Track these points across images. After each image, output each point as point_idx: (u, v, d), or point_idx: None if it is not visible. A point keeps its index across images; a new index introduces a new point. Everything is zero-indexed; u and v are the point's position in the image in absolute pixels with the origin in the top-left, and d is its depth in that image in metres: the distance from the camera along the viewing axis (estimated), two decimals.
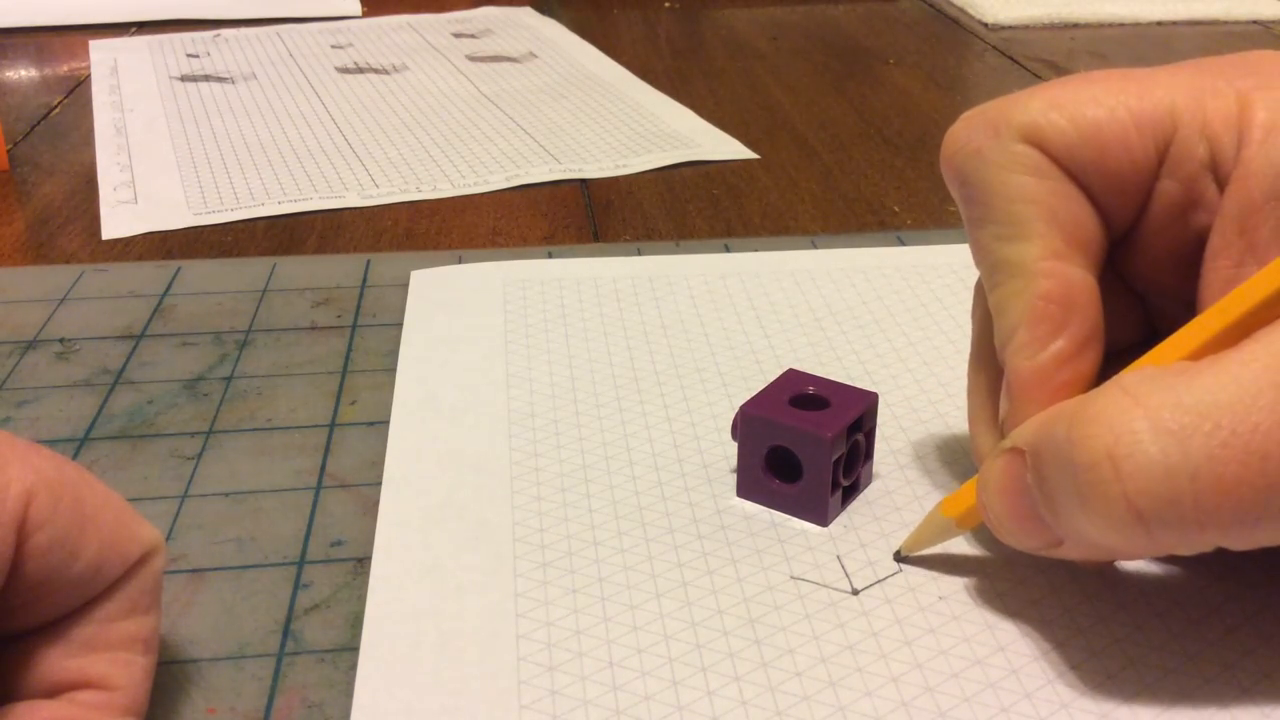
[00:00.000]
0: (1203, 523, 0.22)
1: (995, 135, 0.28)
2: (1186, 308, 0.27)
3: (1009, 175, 0.28)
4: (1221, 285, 0.26)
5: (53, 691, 0.23)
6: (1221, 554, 0.30)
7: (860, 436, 0.32)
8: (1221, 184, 0.27)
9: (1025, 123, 0.28)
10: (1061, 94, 0.28)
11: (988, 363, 0.30)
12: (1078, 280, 0.27)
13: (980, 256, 0.29)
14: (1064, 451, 0.24)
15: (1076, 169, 0.28)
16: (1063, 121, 0.27)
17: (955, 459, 0.34)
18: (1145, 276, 0.30)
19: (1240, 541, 0.23)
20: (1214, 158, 0.27)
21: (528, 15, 0.91)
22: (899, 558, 0.30)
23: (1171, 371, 0.23)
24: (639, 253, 0.48)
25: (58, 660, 0.23)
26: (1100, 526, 0.23)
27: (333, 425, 0.37)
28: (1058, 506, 0.24)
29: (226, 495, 0.33)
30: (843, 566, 0.30)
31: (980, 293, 0.31)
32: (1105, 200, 0.28)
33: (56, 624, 0.23)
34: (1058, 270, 0.27)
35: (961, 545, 0.30)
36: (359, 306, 0.44)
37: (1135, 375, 0.24)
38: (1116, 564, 0.30)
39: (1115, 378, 0.24)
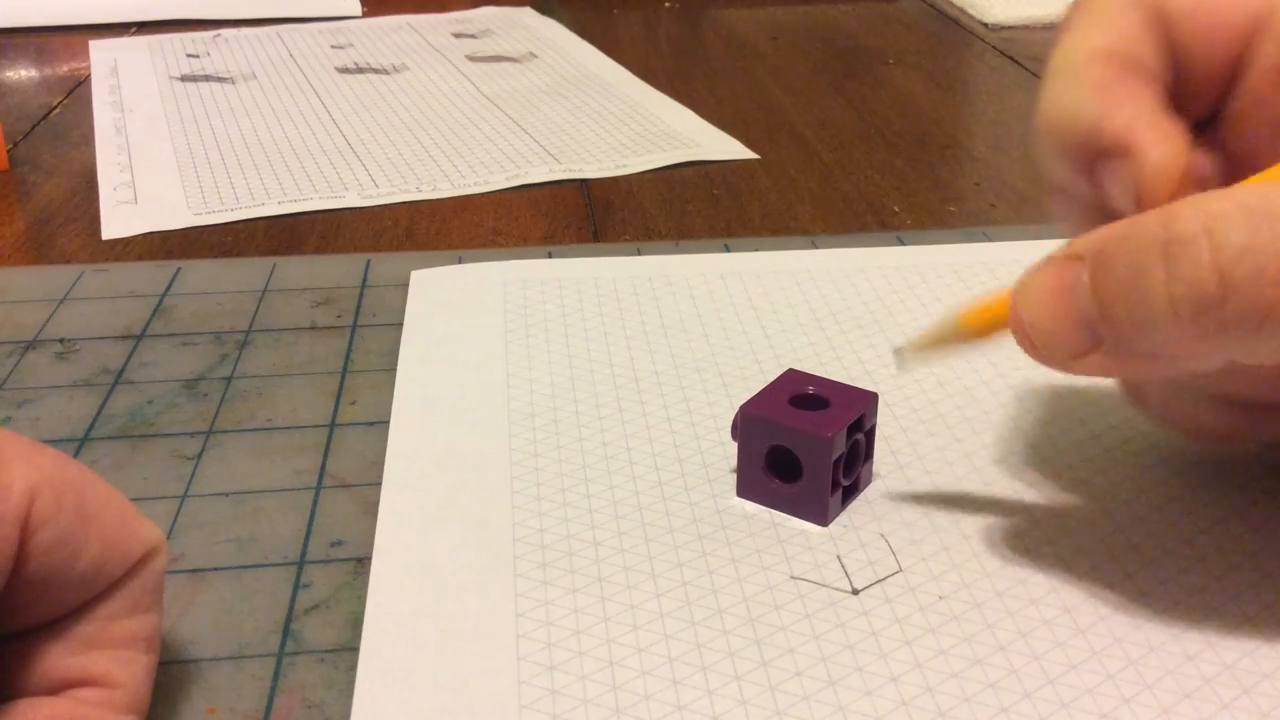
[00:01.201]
0: (1256, 313, 0.23)
1: None
2: None
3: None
4: None
5: (55, 689, 0.23)
6: (1223, 552, 0.30)
7: (860, 436, 0.32)
8: None
9: None
10: None
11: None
12: (1133, 70, 0.28)
13: (1048, 66, 0.30)
14: (1153, 235, 0.24)
15: (1179, 23, 0.28)
16: None
17: (955, 459, 0.34)
18: (1247, 151, 0.30)
19: None
20: None
21: (528, 15, 0.91)
22: (898, 353, 0.31)
23: (1250, 184, 0.24)
24: (639, 253, 0.48)
25: (60, 658, 0.23)
26: (1160, 313, 0.24)
27: (333, 425, 0.37)
28: (1114, 300, 0.25)
29: (226, 495, 0.33)
30: (843, 566, 0.30)
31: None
32: (1204, 62, 0.29)
33: (59, 622, 0.23)
34: (1114, 61, 0.28)
35: (961, 545, 0.30)
36: (359, 306, 0.44)
37: (1214, 191, 0.25)
38: (1112, 564, 0.30)
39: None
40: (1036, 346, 0.27)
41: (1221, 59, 0.29)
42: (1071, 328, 0.26)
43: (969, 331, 0.29)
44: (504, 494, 0.32)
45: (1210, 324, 0.24)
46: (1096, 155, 0.28)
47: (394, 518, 0.32)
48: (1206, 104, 0.29)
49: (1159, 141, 0.27)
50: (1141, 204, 0.27)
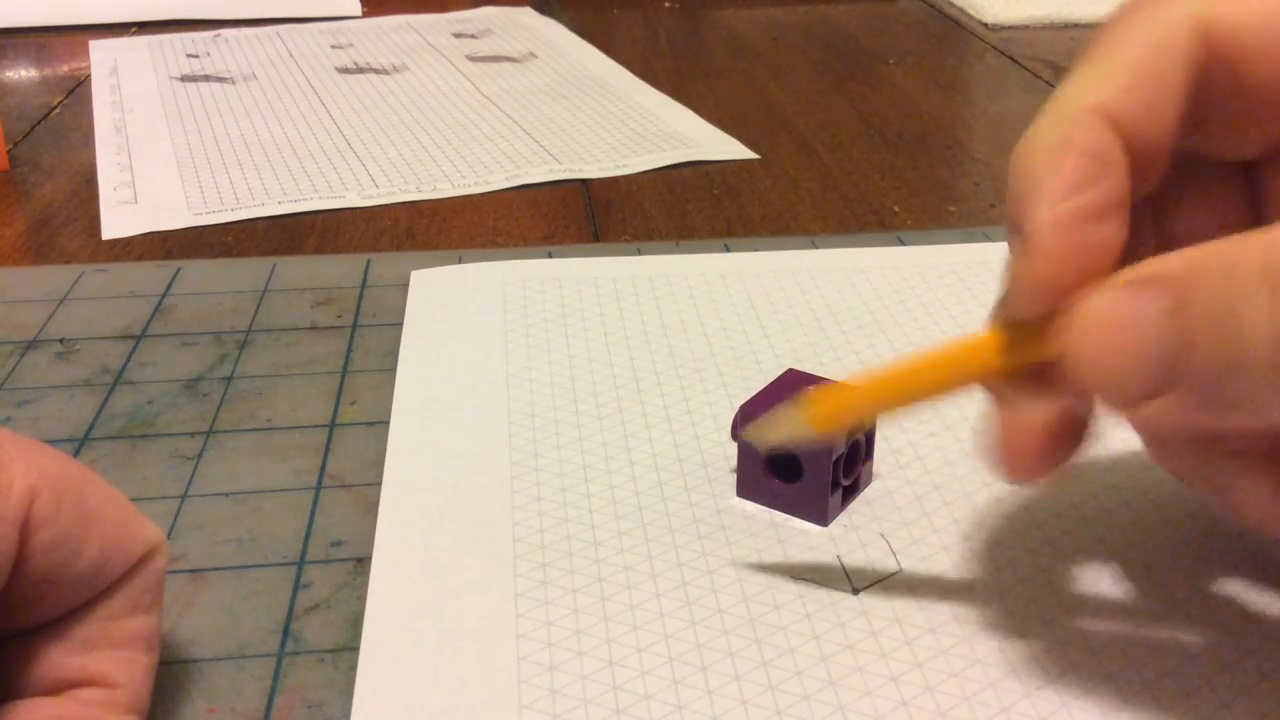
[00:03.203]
0: None
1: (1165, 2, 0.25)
2: None
3: (1135, 30, 0.25)
4: None
5: (55, 689, 0.23)
6: (1223, 553, 0.30)
7: (860, 436, 0.32)
8: None
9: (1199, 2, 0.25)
10: None
11: None
12: (1116, 152, 0.24)
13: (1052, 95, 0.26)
14: (1254, 261, 0.21)
15: (1245, 59, 0.25)
16: (1238, 5, 0.25)
17: (955, 459, 0.34)
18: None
19: None
20: None
21: (528, 15, 0.91)
22: (737, 437, 0.30)
23: None
24: (639, 253, 0.48)
25: (60, 658, 0.23)
26: (1261, 349, 0.21)
27: (333, 425, 0.37)
28: (1208, 333, 0.22)
29: (226, 495, 0.33)
30: (843, 566, 0.30)
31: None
32: (1270, 100, 0.25)
33: (59, 622, 0.23)
34: (1103, 130, 0.24)
35: (961, 545, 0.30)
36: (359, 306, 0.44)
37: None
38: (1111, 564, 0.30)
39: None
40: (1098, 385, 0.23)
41: None
42: (1144, 364, 0.23)
43: (814, 423, 0.27)
44: (504, 494, 0.32)
45: None
46: (1014, 225, 0.25)
47: (394, 518, 0.32)
48: (1268, 142, 0.26)
49: (1060, 259, 0.24)
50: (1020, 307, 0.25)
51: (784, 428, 0.28)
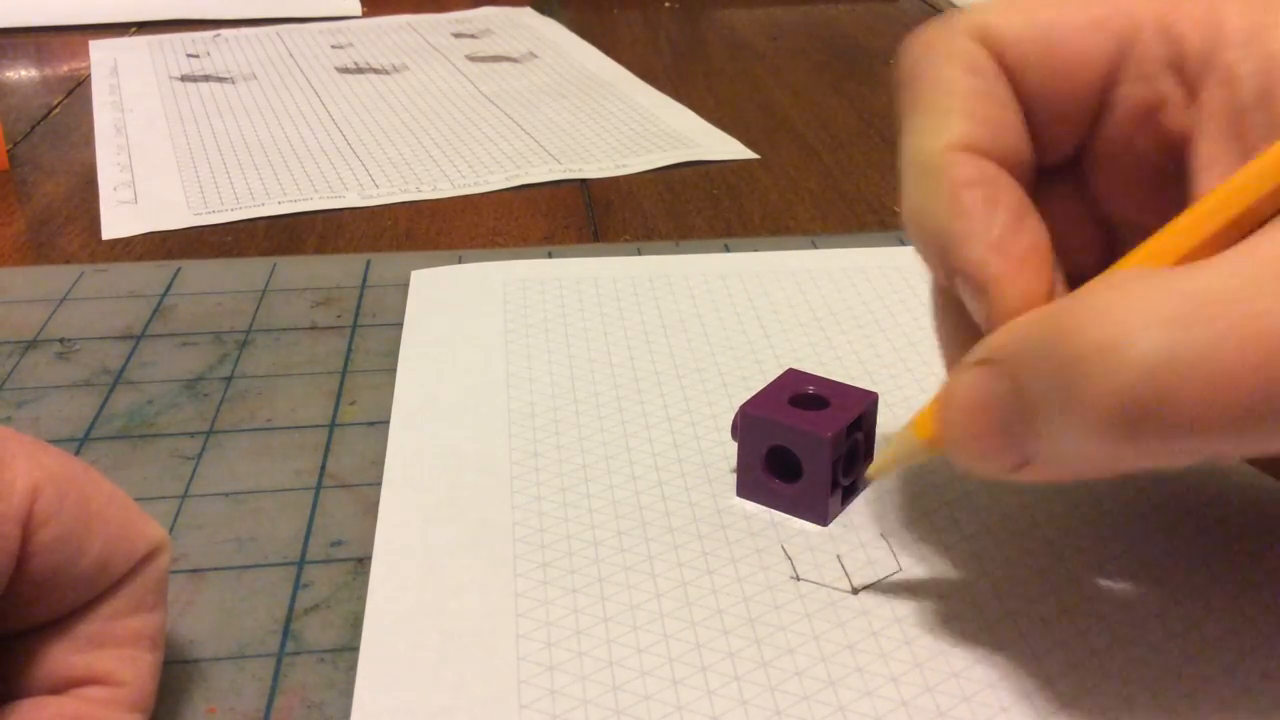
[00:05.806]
0: (1196, 420, 0.20)
1: (947, 31, 0.27)
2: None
3: (943, 68, 0.27)
4: None
5: (60, 687, 0.23)
6: (1223, 552, 0.30)
7: (860, 436, 0.32)
8: (1189, 85, 0.26)
9: (977, 20, 0.27)
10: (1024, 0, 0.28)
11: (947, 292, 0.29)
12: (992, 169, 0.26)
13: (901, 155, 0.27)
14: (1048, 349, 0.22)
15: (1024, 68, 0.27)
16: (1015, 17, 0.27)
17: None
18: (1112, 197, 0.28)
19: (1232, 446, 0.21)
20: (1179, 57, 0.26)
21: (528, 15, 0.91)
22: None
23: (1164, 268, 0.22)
24: (639, 253, 0.48)
25: (64, 656, 0.23)
26: (1087, 429, 0.21)
27: (333, 425, 0.37)
28: (1035, 415, 0.22)
29: (226, 495, 0.33)
30: (843, 566, 0.30)
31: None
32: (1056, 106, 0.27)
33: (63, 620, 0.23)
34: (970, 159, 0.26)
35: (961, 545, 0.30)
36: (359, 306, 0.44)
37: (1125, 272, 0.22)
38: (1112, 564, 0.30)
39: (1103, 274, 0.23)
40: (971, 466, 0.25)
41: (1079, 104, 0.27)
42: (1000, 444, 0.24)
43: (922, 444, 0.27)
44: (504, 494, 0.32)
45: (1140, 444, 0.21)
46: (954, 273, 0.26)
47: (394, 518, 0.32)
48: (1065, 149, 0.28)
49: (1014, 276, 0.25)
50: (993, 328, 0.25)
51: (899, 452, 0.28)
